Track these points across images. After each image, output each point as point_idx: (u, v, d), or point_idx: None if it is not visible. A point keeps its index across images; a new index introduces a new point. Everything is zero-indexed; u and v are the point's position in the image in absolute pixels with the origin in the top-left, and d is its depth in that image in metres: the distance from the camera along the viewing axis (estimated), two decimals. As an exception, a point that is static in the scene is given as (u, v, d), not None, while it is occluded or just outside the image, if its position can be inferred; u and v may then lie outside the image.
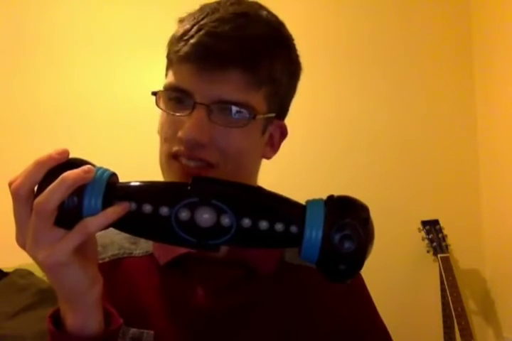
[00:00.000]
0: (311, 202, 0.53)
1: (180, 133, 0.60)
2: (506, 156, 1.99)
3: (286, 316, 0.69)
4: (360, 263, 0.52)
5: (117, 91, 1.97)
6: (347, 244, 0.50)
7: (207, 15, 0.62)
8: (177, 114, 0.62)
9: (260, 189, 0.58)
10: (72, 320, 0.54)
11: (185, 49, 0.60)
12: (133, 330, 0.65)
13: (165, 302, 0.68)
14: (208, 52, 0.59)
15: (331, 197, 0.54)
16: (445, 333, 1.87)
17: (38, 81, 1.96)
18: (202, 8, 0.65)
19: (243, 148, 0.64)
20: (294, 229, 0.52)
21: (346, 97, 2.11)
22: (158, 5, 2.00)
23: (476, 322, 2.03)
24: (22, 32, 1.97)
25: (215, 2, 0.65)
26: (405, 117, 2.13)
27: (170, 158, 0.64)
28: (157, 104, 0.64)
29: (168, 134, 0.63)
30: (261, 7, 0.67)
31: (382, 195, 2.06)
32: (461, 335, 1.74)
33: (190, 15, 0.65)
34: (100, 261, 0.70)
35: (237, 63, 0.60)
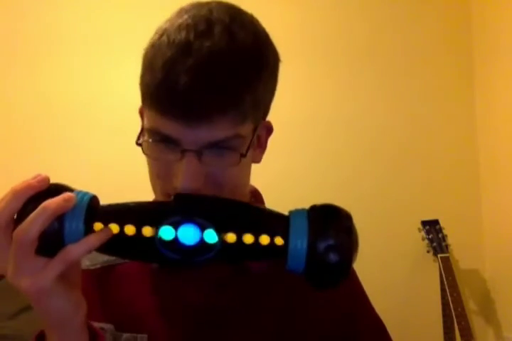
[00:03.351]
0: (295, 213, 0.53)
1: (175, 183, 0.58)
2: (506, 156, 1.99)
3: (281, 313, 0.69)
4: (345, 273, 0.52)
5: (117, 92, 1.97)
6: (332, 255, 0.50)
7: (178, 57, 0.56)
8: (166, 157, 0.59)
9: (242, 202, 0.58)
10: None
11: (165, 102, 0.56)
12: (126, 335, 0.65)
13: (158, 304, 0.68)
14: (190, 105, 0.55)
15: (313, 207, 0.54)
16: (445, 333, 1.87)
17: (37, 81, 1.96)
18: (171, 42, 0.57)
19: (238, 179, 0.64)
20: (279, 240, 0.51)
21: (345, 98, 2.10)
22: (159, 6, 2.00)
23: (476, 322, 2.03)
24: (20, 32, 1.97)
25: (184, 29, 0.58)
26: (405, 117, 2.12)
27: (167, 197, 0.62)
28: (142, 148, 0.61)
29: (161, 173, 0.62)
30: (232, 21, 0.59)
31: (382, 195, 2.06)
32: (461, 335, 1.74)
33: (159, 50, 0.58)
34: (92, 268, 0.70)
35: (222, 108, 0.56)
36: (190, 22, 0.58)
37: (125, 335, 0.65)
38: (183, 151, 0.57)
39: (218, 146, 0.58)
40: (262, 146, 0.70)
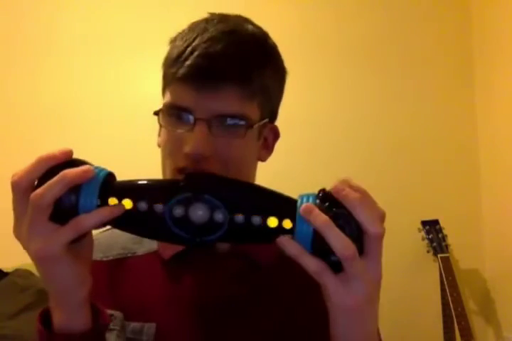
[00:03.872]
0: (303, 196, 0.53)
1: (186, 149, 0.63)
2: (506, 156, 1.99)
3: (289, 306, 0.71)
4: None
5: (117, 91, 1.97)
6: None
7: (198, 35, 0.65)
8: (179, 131, 0.65)
9: (252, 184, 0.59)
10: (58, 318, 0.56)
11: (182, 71, 0.64)
12: (133, 324, 0.67)
13: (167, 295, 0.70)
14: (203, 72, 0.63)
15: (322, 190, 0.54)
16: (445, 333, 1.87)
17: (37, 80, 1.96)
18: (192, 28, 0.68)
19: (243, 156, 0.68)
20: (287, 223, 0.52)
21: (344, 98, 2.11)
22: (159, 6, 2.00)
23: (476, 322, 2.03)
24: (20, 32, 1.97)
25: (204, 20, 0.69)
26: (405, 117, 2.12)
27: (176, 173, 0.66)
28: (159, 122, 0.68)
29: (172, 150, 0.66)
30: (246, 21, 0.71)
31: (382, 195, 2.06)
32: (461, 335, 1.74)
33: (181, 35, 0.68)
34: (105, 259, 0.73)
35: (231, 80, 0.64)
36: (207, 18, 0.69)
37: (133, 324, 0.67)
38: (195, 120, 0.63)
39: (227, 118, 0.64)
40: (268, 148, 0.75)
